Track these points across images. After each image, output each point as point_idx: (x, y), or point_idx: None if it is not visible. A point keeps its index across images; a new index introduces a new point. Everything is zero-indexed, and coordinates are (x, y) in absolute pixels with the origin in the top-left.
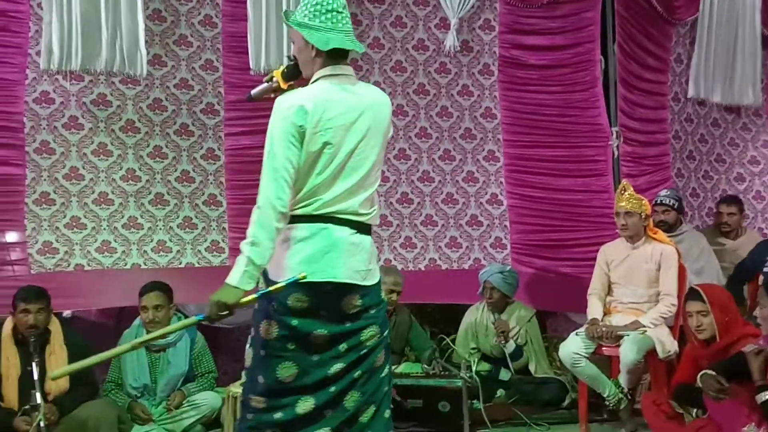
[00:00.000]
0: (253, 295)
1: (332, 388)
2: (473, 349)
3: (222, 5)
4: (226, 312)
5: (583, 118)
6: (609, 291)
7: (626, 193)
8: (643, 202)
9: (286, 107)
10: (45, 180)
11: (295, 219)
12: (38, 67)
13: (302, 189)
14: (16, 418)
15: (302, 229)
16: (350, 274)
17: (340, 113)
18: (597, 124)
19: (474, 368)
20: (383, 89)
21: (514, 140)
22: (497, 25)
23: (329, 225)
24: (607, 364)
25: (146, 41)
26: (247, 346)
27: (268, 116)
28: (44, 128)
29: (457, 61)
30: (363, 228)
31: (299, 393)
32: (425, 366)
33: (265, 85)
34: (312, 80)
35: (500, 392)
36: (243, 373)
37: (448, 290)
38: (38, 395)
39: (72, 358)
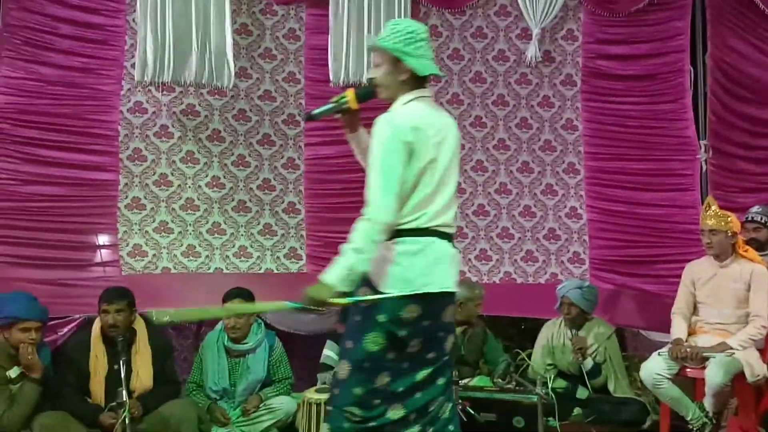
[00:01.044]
0: (348, 299)
1: (418, 395)
2: (549, 365)
3: (306, 19)
4: (319, 307)
5: (669, 130)
6: (694, 310)
7: (711, 210)
8: (730, 219)
9: (398, 125)
10: (136, 186)
11: (403, 233)
12: (133, 78)
13: (409, 204)
14: (103, 413)
15: (414, 243)
16: (455, 284)
17: (437, 131)
18: (685, 136)
19: (550, 384)
20: (462, 101)
21: (596, 152)
22: (581, 35)
23: (435, 238)
24: (691, 387)
25: (233, 54)
26: (339, 358)
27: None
28: (137, 136)
29: (538, 72)
30: (452, 240)
31: (391, 401)
32: (498, 380)
33: (331, 105)
34: (404, 102)
35: (577, 410)
36: (333, 383)
37: (523, 304)
38: (124, 392)
39: (156, 357)
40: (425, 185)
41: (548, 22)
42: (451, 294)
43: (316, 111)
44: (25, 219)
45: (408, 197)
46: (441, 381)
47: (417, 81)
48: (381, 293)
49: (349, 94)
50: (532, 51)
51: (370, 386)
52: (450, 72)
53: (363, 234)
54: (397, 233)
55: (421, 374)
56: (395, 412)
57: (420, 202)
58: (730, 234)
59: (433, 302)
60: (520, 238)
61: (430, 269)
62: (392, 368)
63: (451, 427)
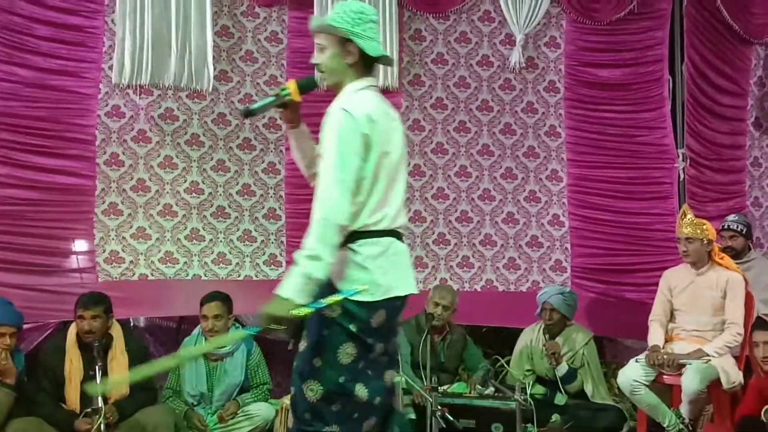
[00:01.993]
0: (307, 309)
1: (383, 400)
2: (528, 371)
3: (288, 21)
4: (279, 325)
5: (649, 138)
6: (671, 318)
7: (687, 218)
8: (705, 227)
9: (356, 115)
10: (113, 191)
11: (365, 234)
12: (110, 81)
13: (370, 202)
14: (78, 419)
15: (377, 244)
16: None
17: (389, 124)
18: (663, 145)
19: (529, 391)
20: (446, 105)
21: (579, 160)
22: (563, 43)
23: (393, 239)
24: (668, 393)
25: (213, 57)
26: (302, 377)
27: None
28: (114, 141)
29: (522, 78)
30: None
31: (368, 413)
32: (478, 387)
33: (271, 98)
34: (355, 89)
35: (555, 417)
36: (301, 406)
37: (504, 313)
38: (99, 398)
39: (133, 364)
40: (381, 182)
41: (531, 28)
42: (408, 296)
43: (255, 105)
44: (2, 222)
45: (368, 195)
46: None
47: (365, 67)
48: (350, 301)
49: (291, 86)
50: (515, 57)
51: (350, 401)
52: (434, 76)
53: (319, 237)
54: (358, 235)
55: (388, 377)
56: (370, 423)
57: (380, 201)
58: (705, 242)
59: (396, 306)
60: (502, 245)
61: (396, 272)
62: (365, 378)
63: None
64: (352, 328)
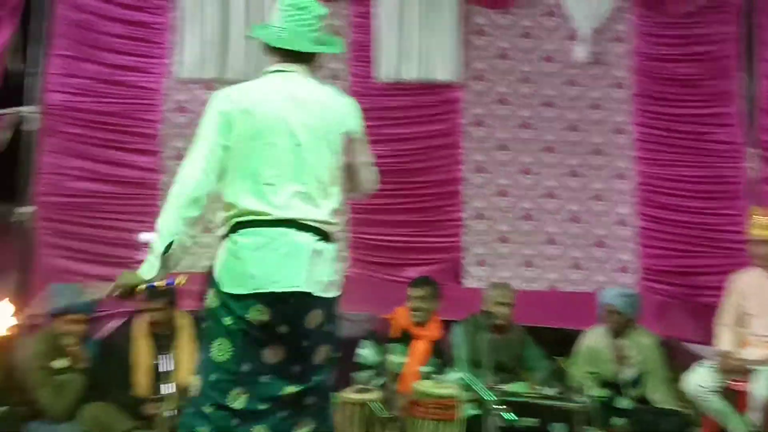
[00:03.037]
0: (147, 284)
1: (281, 414)
2: (591, 373)
3: (350, 15)
4: (130, 296)
5: (719, 136)
6: (743, 322)
7: (757, 220)
8: None
9: (218, 94)
10: None
11: (246, 224)
12: (175, 77)
13: (247, 189)
14: (146, 404)
15: (257, 234)
16: (316, 285)
17: (278, 107)
18: (733, 143)
19: (591, 393)
20: (508, 101)
21: (648, 158)
22: (631, 37)
23: (288, 229)
24: (733, 399)
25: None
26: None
27: (390, 125)
28: (178, 135)
29: (587, 74)
30: (323, 234)
31: (248, 421)
32: (539, 386)
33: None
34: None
35: (618, 420)
36: (188, 401)
37: (566, 314)
38: (167, 386)
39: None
40: (255, 166)
41: (597, 23)
42: (309, 296)
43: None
44: (74, 214)
45: (243, 180)
46: (309, 401)
47: (275, 54)
48: (224, 292)
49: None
50: (581, 52)
51: (222, 403)
52: (497, 72)
53: (162, 210)
54: (240, 225)
55: (287, 390)
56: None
57: (263, 190)
58: None
59: (284, 304)
60: (566, 245)
61: (278, 266)
62: (248, 382)
63: None
64: (226, 321)
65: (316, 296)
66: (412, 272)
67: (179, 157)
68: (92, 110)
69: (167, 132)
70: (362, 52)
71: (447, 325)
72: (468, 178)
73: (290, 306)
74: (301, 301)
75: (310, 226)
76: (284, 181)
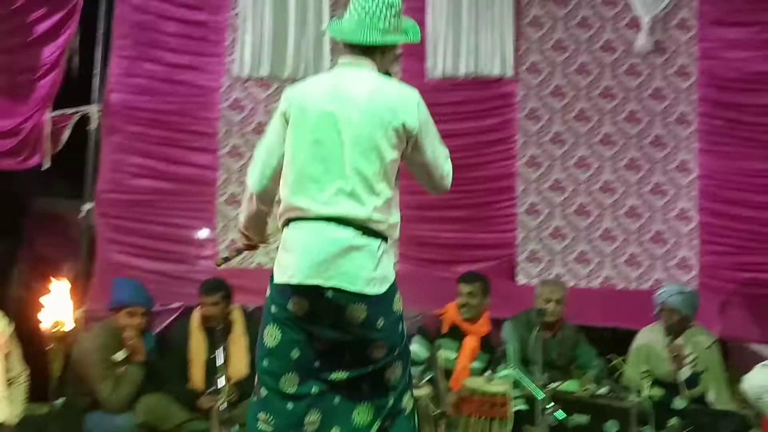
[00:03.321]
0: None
1: (337, 399)
2: (645, 372)
3: (403, 11)
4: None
5: None
6: None
7: None
8: None
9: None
10: (234, 182)
11: (292, 216)
12: (232, 74)
13: (288, 183)
14: (201, 397)
15: (293, 228)
16: (323, 277)
17: (319, 103)
18: None
19: (646, 392)
20: (565, 93)
21: (712, 150)
22: (696, 24)
23: (315, 222)
24: None
25: (330, 49)
26: None
27: (442, 122)
28: (235, 133)
29: (649, 63)
30: (359, 227)
31: (302, 405)
32: (592, 385)
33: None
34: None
35: (674, 420)
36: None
37: (624, 312)
38: (222, 379)
39: (253, 346)
40: (308, 164)
41: (660, 10)
42: (347, 291)
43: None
44: (133, 210)
45: (293, 177)
46: (365, 389)
47: (344, 48)
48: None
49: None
50: (642, 41)
51: (275, 387)
52: (552, 63)
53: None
54: (290, 220)
55: (337, 376)
56: (308, 418)
57: (309, 186)
58: None
59: (321, 297)
60: (623, 240)
61: (312, 260)
62: (298, 368)
63: None
64: (272, 309)
65: (355, 292)
66: (465, 269)
67: (236, 154)
68: (151, 109)
69: (224, 130)
70: (415, 47)
71: (501, 322)
72: (522, 173)
73: (328, 299)
74: (339, 295)
75: (351, 221)
76: (329, 178)
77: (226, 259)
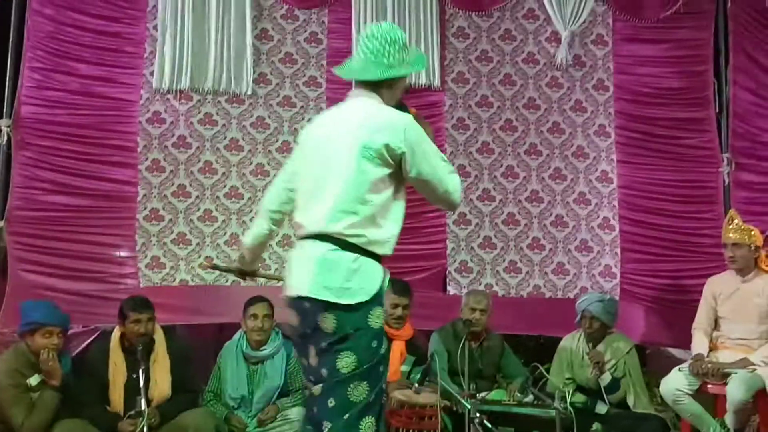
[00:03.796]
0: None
1: (313, 410)
2: (568, 379)
3: (328, 22)
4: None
5: (695, 141)
6: (716, 326)
7: (734, 224)
8: (753, 232)
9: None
10: (155, 197)
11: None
12: (151, 87)
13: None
14: (122, 421)
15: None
16: (297, 288)
17: (314, 130)
18: (709, 148)
19: (569, 399)
20: (491, 103)
21: (628, 161)
22: (611, 41)
23: (303, 240)
24: (712, 403)
25: (253, 60)
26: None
27: None
28: (155, 147)
29: (569, 76)
30: (328, 240)
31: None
32: (517, 394)
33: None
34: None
35: (596, 426)
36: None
37: (550, 321)
38: (143, 401)
39: (175, 366)
40: (304, 186)
41: (577, 26)
42: (320, 301)
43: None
44: (46, 228)
45: (298, 198)
46: (330, 403)
47: (356, 84)
48: None
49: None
50: (562, 54)
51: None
52: (478, 74)
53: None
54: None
55: (314, 390)
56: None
57: (303, 206)
58: (753, 248)
59: (302, 308)
60: (551, 249)
61: (294, 273)
62: (306, 376)
63: None
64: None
65: (327, 301)
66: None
67: (156, 169)
68: (66, 123)
69: (143, 144)
70: (341, 58)
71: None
72: None
73: (306, 309)
74: (314, 305)
75: (328, 236)
76: (315, 198)
77: (216, 267)
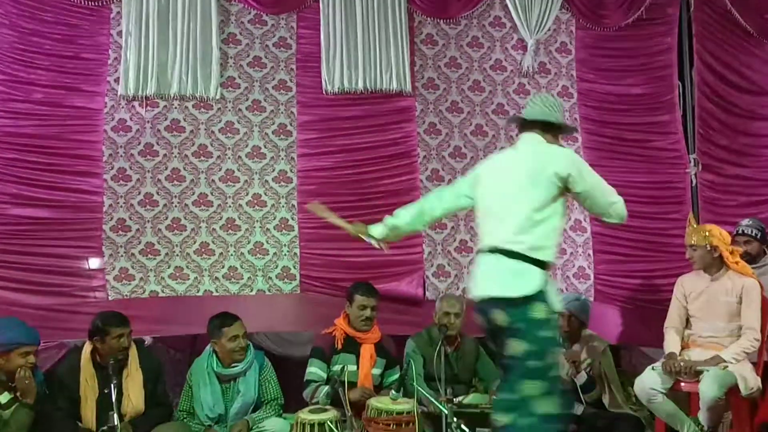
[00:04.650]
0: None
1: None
2: None
3: (297, 27)
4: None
5: (662, 143)
6: (687, 324)
7: (690, 227)
8: (707, 233)
9: None
10: (121, 207)
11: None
12: (116, 94)
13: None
14: None
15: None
16: (477, 291)
17: (491, 164)
18: (675, 150)
19: None
20: (461, 109)
21: (596, 164)
22: (573, 49)
23: (482, 253)
24: (686, 401)
25: (220, 64)
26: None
27: (340, 136)
28: (121, 156)
29: (535, 83)
30: (502, 252)
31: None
32: (494, 397)
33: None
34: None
35: (571, 425)
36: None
37: None
38: (116, 416)
39: (148, 380)
40: (479, 210)
41: (542, 34)
42: (491, 299)
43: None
44: (11, 242)
45: (480, 218)
46: (516, 387)
47: (521, 128)
48: None
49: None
50: (528, 62)
51: None
52: (448, 80)
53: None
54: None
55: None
56: None
57: (482, 223)
58: (709, 248)
59: (481, 307)
60: None
61: (475, 279)
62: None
63: None
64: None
65: (497, 297)
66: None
67: (122, 178)
68: (30, 134)
69: (108, 153)
70: (309, 63)
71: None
72: (426, 186)
73: (483, 308)
74: (488, 303)
75: (499, 248)
76: (492, 216)
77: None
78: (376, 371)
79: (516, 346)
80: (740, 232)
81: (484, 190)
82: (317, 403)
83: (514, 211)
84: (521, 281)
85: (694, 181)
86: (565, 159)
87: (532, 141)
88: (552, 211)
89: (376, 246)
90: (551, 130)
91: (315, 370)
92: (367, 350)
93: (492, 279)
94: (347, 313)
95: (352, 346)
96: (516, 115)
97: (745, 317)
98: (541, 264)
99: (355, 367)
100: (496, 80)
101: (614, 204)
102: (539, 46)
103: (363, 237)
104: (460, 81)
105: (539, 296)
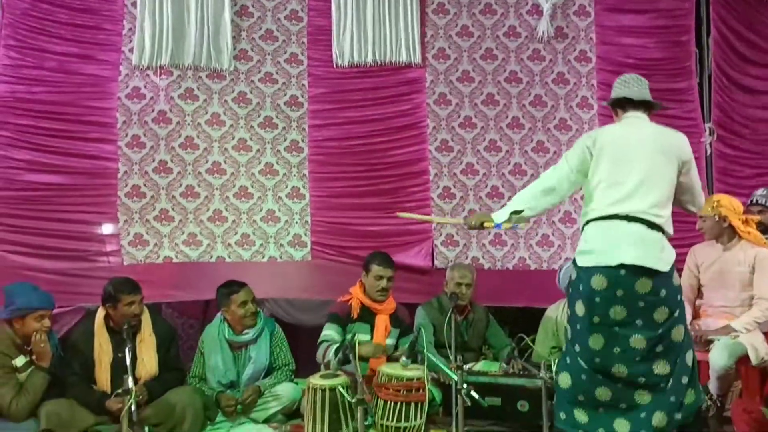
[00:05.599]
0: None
1: (637, 356)
2: (553, 348)
3: (308, 1)
4: (477, 227)
5: (678, 111)
6: (699, 294)
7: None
8: (715, 204)
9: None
10: (136, 173)
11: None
12: (131, 63)
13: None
14: (109, 399)
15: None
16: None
17: (612, 138)
18: (691, 118)
19: (554, 368)
20: (472, 78)
21: None
22: (593, 11)
23: (604, 220)
24: (698, 370)
25: (233, 36)
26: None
27: (351, 108)
28: (135, 123)
29: (551, 48)
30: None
31: (607, 359)
32: (504, 365)
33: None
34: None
35: None
36: None
37: (535, 292)
38: (130, 379)
39: (161, 345)
40: (595, 183)
41: None
42: (636, 268)
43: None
44: (26, 208)
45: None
46: (659, 348)
47: (619, 108)
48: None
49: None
50: (543, 26)
51: (584, 345)
52: (459, 49)
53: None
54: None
55: (635, 337)
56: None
57: (592, 193)
58: (718, 218)
59: (617, 274)
60: (536, 221)
61: (612, 245)
62: (601, 330)
63: None
64: (580, 287)
65: (643, 267)
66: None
67: (136, 145)
68: (43, 101)
69: (123, 120)
70: (320, 36)
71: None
72: (435, 157)
73: (622, 276)
74: (630, 271)
75: (639, 218)
76: (623, 186)
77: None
78: (390, 341)
79: (661, 312)
80: (754, 201)
81: (615, 160)
82: (329, 363)
83: (656, 184)
84: (667, 255)
85: (708, 150)
86: (687, 145)
87: (645, 121)
88: (673, 187)
89: (510, 228)
90: (649, 110)
91: (330, 332)
92: (381, 321)
93: (641, 248)
94: (363, 282)
95: (367, 315)
96: (623, 96)
97: (757, 287)
98: (669, 238)
99: (369, 337)
100: (510, 47)
101: (702, 196)
102: (556, 10)
103: (488, 226)
104: (471, 50)
105: (674, 267)
